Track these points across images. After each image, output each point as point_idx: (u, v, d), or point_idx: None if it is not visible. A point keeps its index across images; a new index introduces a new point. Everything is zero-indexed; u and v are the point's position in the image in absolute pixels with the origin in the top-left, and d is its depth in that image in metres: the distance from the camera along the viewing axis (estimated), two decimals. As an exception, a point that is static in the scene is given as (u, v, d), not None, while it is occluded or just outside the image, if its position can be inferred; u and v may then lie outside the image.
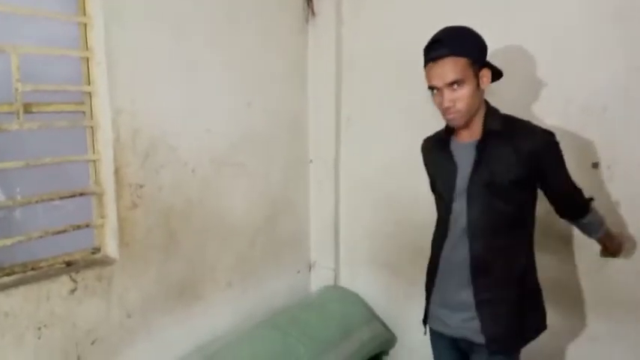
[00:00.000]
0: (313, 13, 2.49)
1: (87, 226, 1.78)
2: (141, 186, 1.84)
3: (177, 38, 1.94)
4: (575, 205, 1.62)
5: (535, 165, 1.49)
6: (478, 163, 1.51)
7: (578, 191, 1.61)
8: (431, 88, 1.50)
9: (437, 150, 1.64)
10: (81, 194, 1.76)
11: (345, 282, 2.65)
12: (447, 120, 1.53)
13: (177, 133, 1.96)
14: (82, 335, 1.71)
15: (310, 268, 2.71)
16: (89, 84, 1.76)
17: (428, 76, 1.50)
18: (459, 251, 1.55)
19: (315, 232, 2.68)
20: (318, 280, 2.69)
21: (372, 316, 2.50)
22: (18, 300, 1.57)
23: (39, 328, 1.61)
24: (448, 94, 1.47)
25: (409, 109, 2.27)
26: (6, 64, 1.60)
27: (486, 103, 1.57)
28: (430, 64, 1.49)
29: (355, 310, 2.47)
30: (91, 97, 1.76)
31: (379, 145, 2.43)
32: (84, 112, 1.77)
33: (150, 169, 1.87)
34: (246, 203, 2.29)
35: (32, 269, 1.66)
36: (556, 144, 1.51)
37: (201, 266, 2.10)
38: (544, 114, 1.91)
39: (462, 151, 1.56)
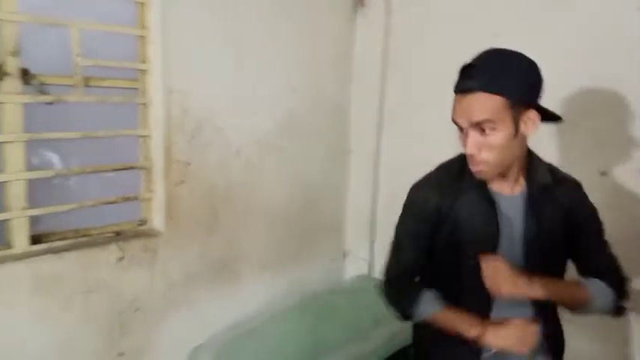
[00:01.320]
0: (362, 3, 2.50)
1: (135, 198, 1.85)
2: (188, 164, 1.90)
3: (229, 21, 1.98)
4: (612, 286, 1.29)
5: (570, 221, 1.28)
6: (530, 221, 1.26)
7: (615, 264, 1.32)
8: (455, 123, 1.21)
9: (469, 198, 1.28)
10: (131, 168, 1.83)
11: (378, 273, 2.66)
12: (473, 170, 1.23)
13: (223, 115, 2.01)
14: (126, 303, 1.77)
15: (344, 257, 2.73)
16: (144, 62, 1.82)
17: (453, 109, 1.21)
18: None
19: (351, 222, 2.70)
20: (352, 269, 2.71)
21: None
22: (69, 264, 1.64)
23: (86, 293, 1.68)
24: (474, 138, 1.17)
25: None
26: (68, 38, 1.68)
27: (528, 149, 1.29)
28: (458, 96, 1.20)
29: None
30: (145, 75, 1.83)
31: (420, 140, 2.42)
32: (137, 89, 1.84)
33: (196, 148, 1.92)
34: (286, 188, 2.32)
35: (83, 236, 1.73)
36: (586, 196, 1.32)
37: (239, 246, 2.14)
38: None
39: (506, 204, 1.27)
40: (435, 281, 1.34)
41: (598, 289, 1.27)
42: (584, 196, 1.32)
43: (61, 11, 1.71)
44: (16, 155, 1.56)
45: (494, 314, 1.27)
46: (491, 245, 1.25)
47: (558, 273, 1.31)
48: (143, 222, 1.88)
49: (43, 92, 1.59)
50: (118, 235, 1.79)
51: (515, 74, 1.17)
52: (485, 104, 1.14)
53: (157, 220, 1.87)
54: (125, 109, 1.86)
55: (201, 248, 1.98)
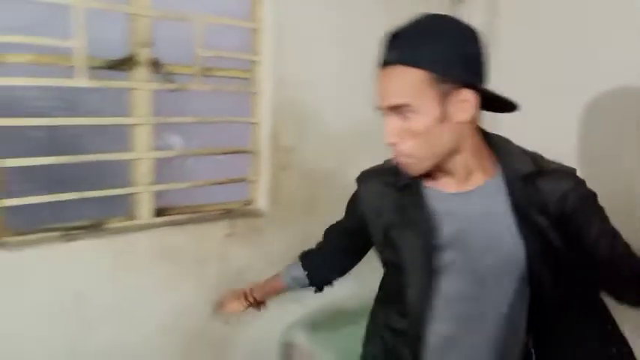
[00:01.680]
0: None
1: (243, 180, 1.99)
2: (292, 150, 2.01)
3: (336, 14, 2.06)
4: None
5: (565, 222, 1.01)
6: (510, 226, 1.02)
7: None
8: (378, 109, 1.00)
9: (399, 197, 1.09)
10: (241, 152, 1.98)
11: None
12: (400, 165, 1.02)
13: (327, 104, 2.09)
14: (232, 276, 1.92)
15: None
16: (256, 53, 1.94)
17: (375, 90, 1.00)
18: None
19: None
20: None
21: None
22: (185, 236, 1.81)
23: (199, 263, 1.85)
24: (392, 123, 0.97)
25: (559, 115, 2.17)
26: (188, 31, 1.83)
27: (486, 134, 1.06)
28: (378, 72, 0.99)
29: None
30: (256, 65, 1.95)
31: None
32: (249, 79, 1.97)
33: (300, 135, 2.02)
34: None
35: (197, 212, 1.90)
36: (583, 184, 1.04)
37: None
38: None
39: (452, 204, 1.04)
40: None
41: None
42: (580, 185, 1.02)
43: (184, 5, 1.87)
44: (144, 136, 1.74)
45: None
46: (424, 258, 1.04)
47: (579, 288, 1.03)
48: (249, 202, 2.02)
49: (168, 80, 1.76)
50: (227, 213, 1.94)
51: (443, 43, 0.94)
52: (403, 80, 0.93)
53: (262, 202, 2.00)
54: (238, 98, 2.00)
55: (300, 230, 2.08)
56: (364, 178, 1.22)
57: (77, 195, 1.62)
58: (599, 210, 1.03)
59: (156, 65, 1.73)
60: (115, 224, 1.72)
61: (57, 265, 1.57)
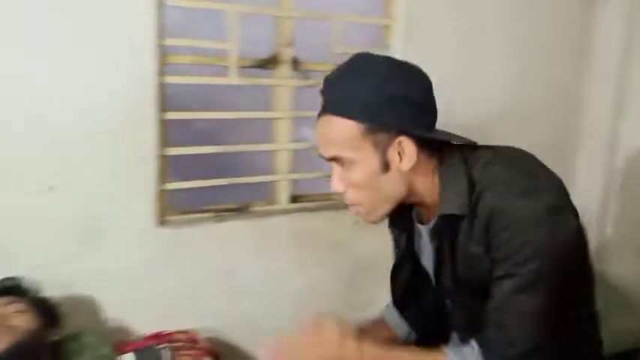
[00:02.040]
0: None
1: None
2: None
3: (466, 9, 2.06)
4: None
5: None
6: (437, 263, 1.01)
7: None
8: None
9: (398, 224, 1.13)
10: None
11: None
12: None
13: (452, 100, 2.11)
14: (360, 261, 2.02)
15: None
16: (387, 49, 2.01)
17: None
18: None
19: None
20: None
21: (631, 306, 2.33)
22: (319, 222, 1.93)
23: (331, 248, 1.96)
24: (336, 173, 0.94)
25: None
26: (323, 30, 1.94)
27: (445, 158, 0.97)
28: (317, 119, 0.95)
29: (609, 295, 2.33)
30: (387, 60, 2.02)
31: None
32: (379, 73, 2.04)
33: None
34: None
35: (327, 200, 2.02)
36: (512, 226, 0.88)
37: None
38: None
39: (423, 237, 1.05)
40: None
41: None
42: (508, 225, 0.87)
43: (319, 5, 1.98)
44: (284, 129, 1.89)
45: None
46: (402, 287, 1.13)
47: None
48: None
49: (307, 77, 1.89)
50: (356, 202, 2.04)
51: (371, 87, 0.86)
52: (334, 131, 0.88)
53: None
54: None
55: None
56: None
57: (227, 181, 1.81)
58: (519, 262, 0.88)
59: (296, 63, 1.86)
60: (258, 208, 1.89)
61: (209, 242, 1.77)
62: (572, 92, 2.43)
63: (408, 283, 1.15)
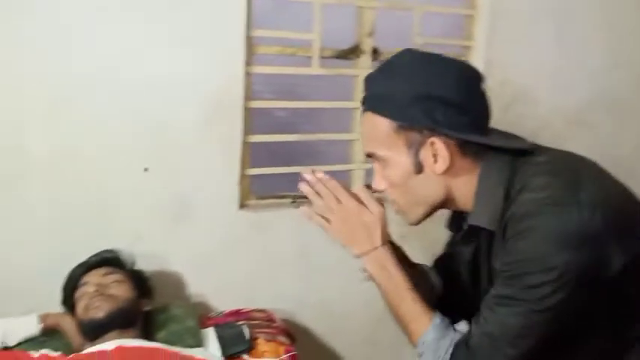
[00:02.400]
0: None
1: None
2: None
3: (558, 3, 1.99)
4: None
5: None
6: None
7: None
8: None
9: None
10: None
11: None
12: None
13: (538, 88, 2.05)
14: (427, 250, 2.02)
15: None
16: (469, 39, 1.98)
17: None
18: None
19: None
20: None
21: None
22: (390, 212, 1.95)
23: (401, 236, 1.97)
24: (376, 171, 0.92)
25: None
26: (402, 20, 1.94)
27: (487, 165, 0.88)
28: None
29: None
30: (468, 50, 1.99)
31: None
32: (460, 64, 2.01)
33: (509, 119, 2.01)
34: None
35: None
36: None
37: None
38: None
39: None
40: None
41: (436, 332, 0.88)
42: (523, 233, 0.79)
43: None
44: (361, 119, 1.91)
45: None
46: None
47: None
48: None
49: (385, 67, 1.89)
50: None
51: (403, 85, 0.83)
52: (370, 128, 0.88)
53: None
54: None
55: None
56: None
57: (305, 168, 1.86)
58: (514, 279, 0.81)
59: (376, 53, 1.87)
60: (333, 196, 1.93)
61: (286, 226, 1.83)
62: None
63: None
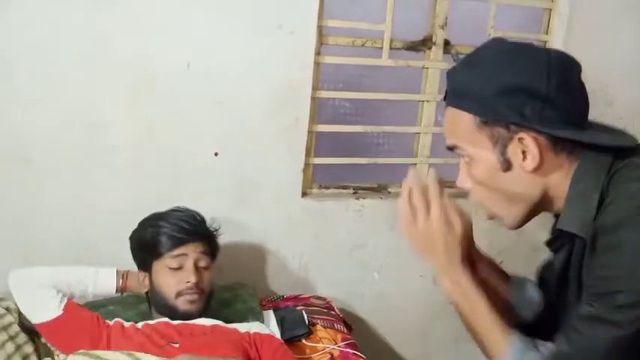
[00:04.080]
0: None
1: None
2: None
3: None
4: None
5: None
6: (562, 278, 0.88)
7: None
8: None
9: None
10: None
11: None
12: None
13: (615, 86, 1.95)
14: (488, 249, 1.98)
15: None
16: (546, 33, 1.90)
17: None
18: None
19: None
20: None
21: None
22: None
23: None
24: (461, 168, 0.87)
25: None
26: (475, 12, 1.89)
27: (585, 166, 0.81)
28: None
29: None
30: (545, 44, 1.91)
31: None
32: (534, 59, 1.94)
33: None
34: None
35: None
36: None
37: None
38: None
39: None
40: None
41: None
42: (614, 246, 0.73)
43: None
44: (428, 112, 1.89)
45: None
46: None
47: None
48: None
49: (456, 60, 1.85)
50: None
51: (486, 78, 0.78)
52: (453, 123, 0.83)
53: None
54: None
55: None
56: None
57: (368, 160, 1.87)
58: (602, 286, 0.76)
59: (447, 46, 1.84)
60: (395, 189, 1.93)
61: (346, 216, 1.85)
62: None
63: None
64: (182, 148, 1.62)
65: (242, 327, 1.34)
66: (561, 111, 0.79)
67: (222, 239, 1.50)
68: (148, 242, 1.35)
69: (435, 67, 1.84)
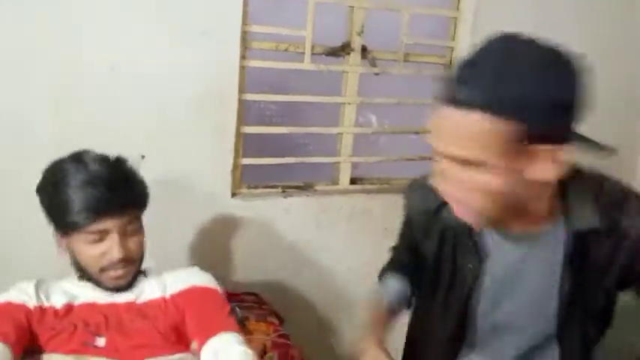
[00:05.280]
0: None
1: (430, 158, 2.16)
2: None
3: (536, 12, 2.09)
4: None
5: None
6: (567, 276, 0.94)
7: None
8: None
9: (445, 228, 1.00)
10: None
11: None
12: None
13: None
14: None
15: None
16: (453, 40, 2.08)
17: (431, 124, 0.83)
18: None
19: None
20: None
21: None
22: (375, 204, 2.05)
23: (384, 229, 2.08)
24: (455, 175, 0.81)
25: None
26: (391, 20, 2.03)
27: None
28: (442, 107, 0.79)
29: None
30: (452, 51, 2.09)
31: None
32: (444, 65, 2.11)
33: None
34: None
35: (386, 183, 2.13)
36: None
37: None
38: None
39: (506, 250, 0.95)
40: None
41: None
42: None
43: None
44: (349, 114, 2.00)
45: None
46: (464, 294, 1.00)
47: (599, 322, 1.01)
48: (433, 179, 2.19)
49: (373, 65, 1.98)
50: (413, 187, 2.14)
51: (537, 84, 0.73)
52: (478, 129, 0.75)
53: (446, 179, 2.16)
54: (433, 82, 2.16)
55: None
56: (413, 188, 1.12)
57: (295, 159, 1.95)
58: None
59: (364, 51, 1.96)
60: (321, 187, 2.02)
61: (276, 215, 1.92)
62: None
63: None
64: (109, 151, 1.61)
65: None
66: (576, 118, 0.79)
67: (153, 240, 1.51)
68: (56, 209, 1.13)
69: (354, 71, 1.95)
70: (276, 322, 1.61)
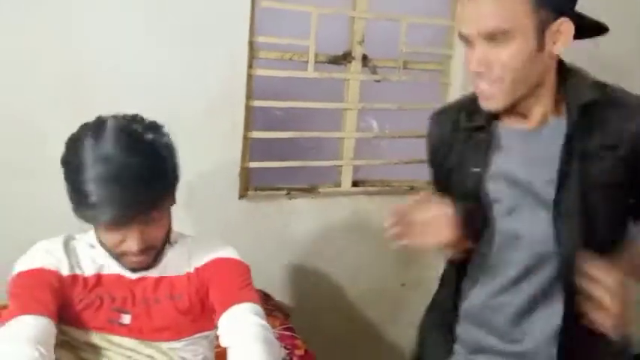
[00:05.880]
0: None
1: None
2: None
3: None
4: None
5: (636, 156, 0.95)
6: (567, 162, 0.95)
7: None
8: (462, 37, 0.94)
9: (466, 137, 1.05)
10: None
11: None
12: (479, 97, 0.96)
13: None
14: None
15: None
16: (450, 48, 2.17)
17: (458, 16, 0.95)
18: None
19: None
20: None
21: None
22: (376, 205, 2.14)
23: (384, 229, 2.17)
24: (481, 51, 0.91)
25: None
26: (390, 29, 2.12)
27: (561, 64, 0.99)
28: None
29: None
30: (449, 59, 2.18)
31: None
32: (441, 71, 2.21)
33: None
34: None
35: (387, 186, 2.22)
36: None
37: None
38: None
39: (518, 142, 1.00)
40: None
41: None
42: None
43: (388, 7, 2.16)
44: (351, 119, 2.10)
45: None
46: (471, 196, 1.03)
47: (614, 235, 0.99)
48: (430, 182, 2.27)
49: (374, 72, 2.08)
50: (412, 189, 2.23)
51: None
52: (502, 3, 0.87)
53: (444, 181, 2.25)
54: (431, 88, 2.26)
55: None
56: (436, 117, 1.17)
57: (299, 163, 2.05)
58: None
59: (365, 60, 2.06)
60: (324, 189, 2.11)
61: (282, 215, 2.01)
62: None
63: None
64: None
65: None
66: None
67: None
68: (76, 197, 1.01)
69: (356, 78, 2.05)
70: (282, 316, 1.70)
